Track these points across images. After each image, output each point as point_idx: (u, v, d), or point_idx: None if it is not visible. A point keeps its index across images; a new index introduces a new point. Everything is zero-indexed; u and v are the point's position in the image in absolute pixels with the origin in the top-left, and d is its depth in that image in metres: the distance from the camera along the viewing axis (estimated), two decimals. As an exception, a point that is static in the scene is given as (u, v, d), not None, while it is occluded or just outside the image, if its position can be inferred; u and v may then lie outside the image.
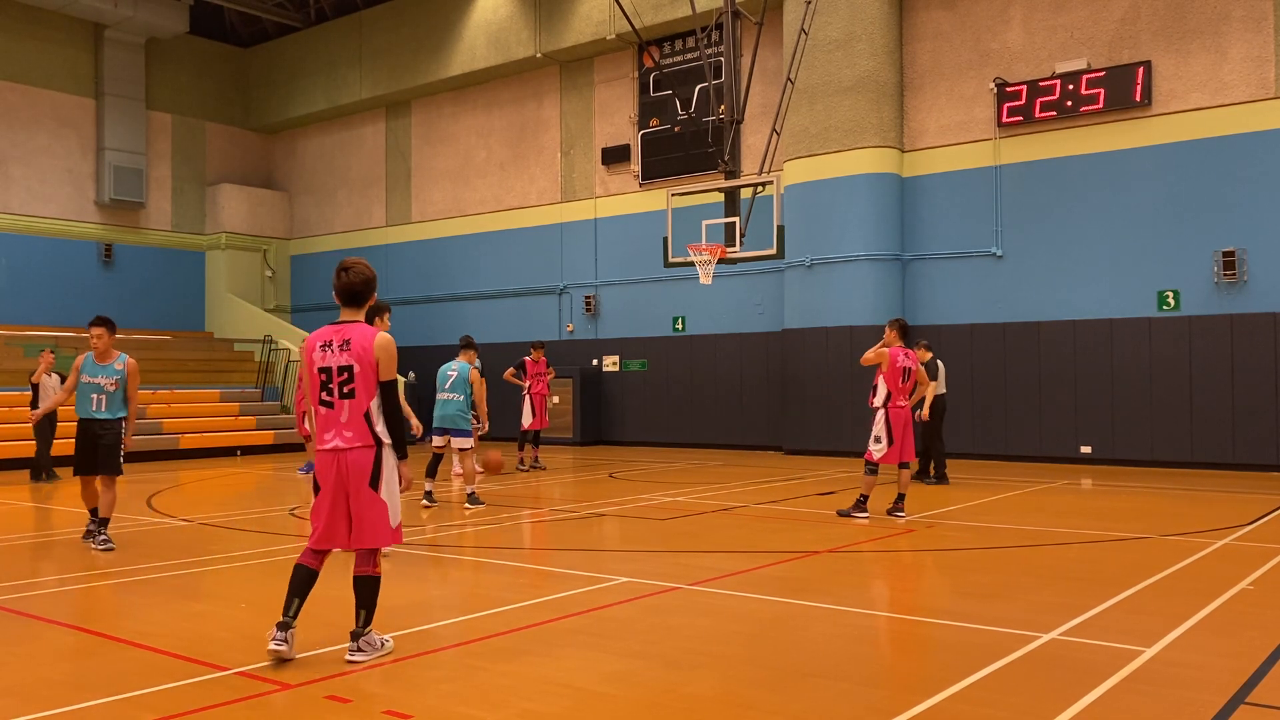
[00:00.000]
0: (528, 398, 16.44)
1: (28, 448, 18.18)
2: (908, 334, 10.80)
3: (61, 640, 5.85)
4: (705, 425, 21.31)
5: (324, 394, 5.30)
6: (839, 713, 4.48)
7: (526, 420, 16.48)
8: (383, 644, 5.39)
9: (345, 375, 5.26)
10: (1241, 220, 15.84)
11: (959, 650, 5.48)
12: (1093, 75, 16.87)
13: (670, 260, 17.12)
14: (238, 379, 24.56)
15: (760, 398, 20.62)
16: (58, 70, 25.10)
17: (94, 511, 9.05)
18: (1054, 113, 17.22)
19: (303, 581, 5.38)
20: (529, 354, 16.83)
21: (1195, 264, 16.16)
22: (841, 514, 10.74)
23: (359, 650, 5.29)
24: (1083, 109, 16.96)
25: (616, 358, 22.59)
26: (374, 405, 5.31)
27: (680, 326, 21.81)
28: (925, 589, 7.54)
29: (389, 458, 5.38)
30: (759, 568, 7.92)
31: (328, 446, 5.32)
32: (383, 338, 5.32)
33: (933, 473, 13.94)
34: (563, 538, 9.85)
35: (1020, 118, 17.56)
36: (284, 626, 5.22)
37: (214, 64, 28.44)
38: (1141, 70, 16.49)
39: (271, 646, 5.18)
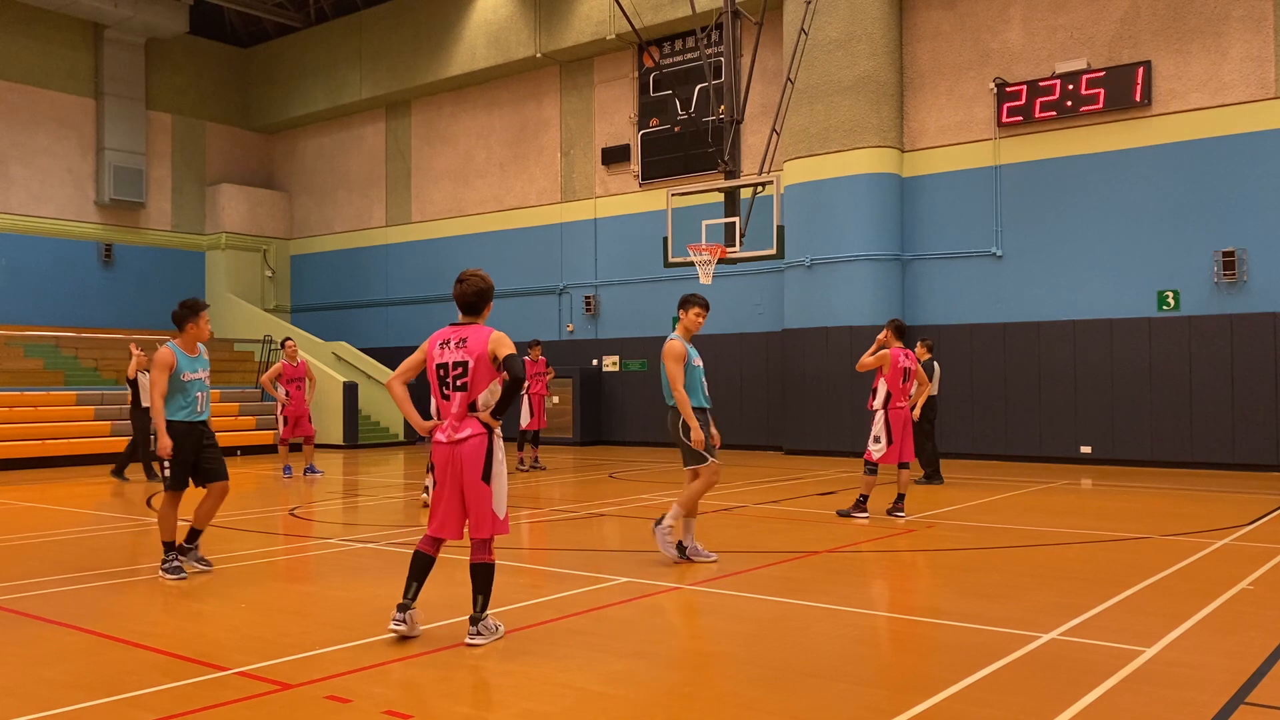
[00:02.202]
0: (526, 398, 16.42)
1: (33, 447, 18.22)
2: (904, 334, 10.84)
3: (61, 640, 5.85)
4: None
5: (443, 389, 5.64)
6: (839, 713, 4.47)
7: (525, 420, 16.47)
8: (496, 628, 5.67)
9: (460, 370, 5.59)
10: (1241, 220, 15.84)
11: (959, 650, 5.48)
12: (1093, 75, 16.87)
13: (670, 260, 17.11)
14: (237, 379, 24.56)
15: (760, 398, 20.62)
16: (58, 70, 25.10)
17: (164, 538, 7.62)
18: (1054, 113, 17.22)
19: (421, 567, 5.67)
20: (527, 354, 16.82)
21: (1195, 264, 16.16)
22: (841, 514, 10.74)
23: (478, 634, 5.56)
24: (1083, 109, 16.96)
25: (616, 358, 22.59)
26: (482, 397, 5.57)
27: (680, 326, 21.77)
28: (925, 589, 7.53)
29: (499, 448, 5.64)
30: (759, 568, 7.91)
31: (443, 439, 5.63)
32: (497, 333, 5.63)
33: (923, 472, 13.92)
34: (563, 538, 9.84)
35: (1020, 118, 17.56)
36: (403, 608, 5.59)
37: (214, 64, 28.44)
38: (1141, 70, 16.49)
39: (391, 627, 5.55)
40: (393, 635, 5.60)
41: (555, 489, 14.09)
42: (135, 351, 15.42)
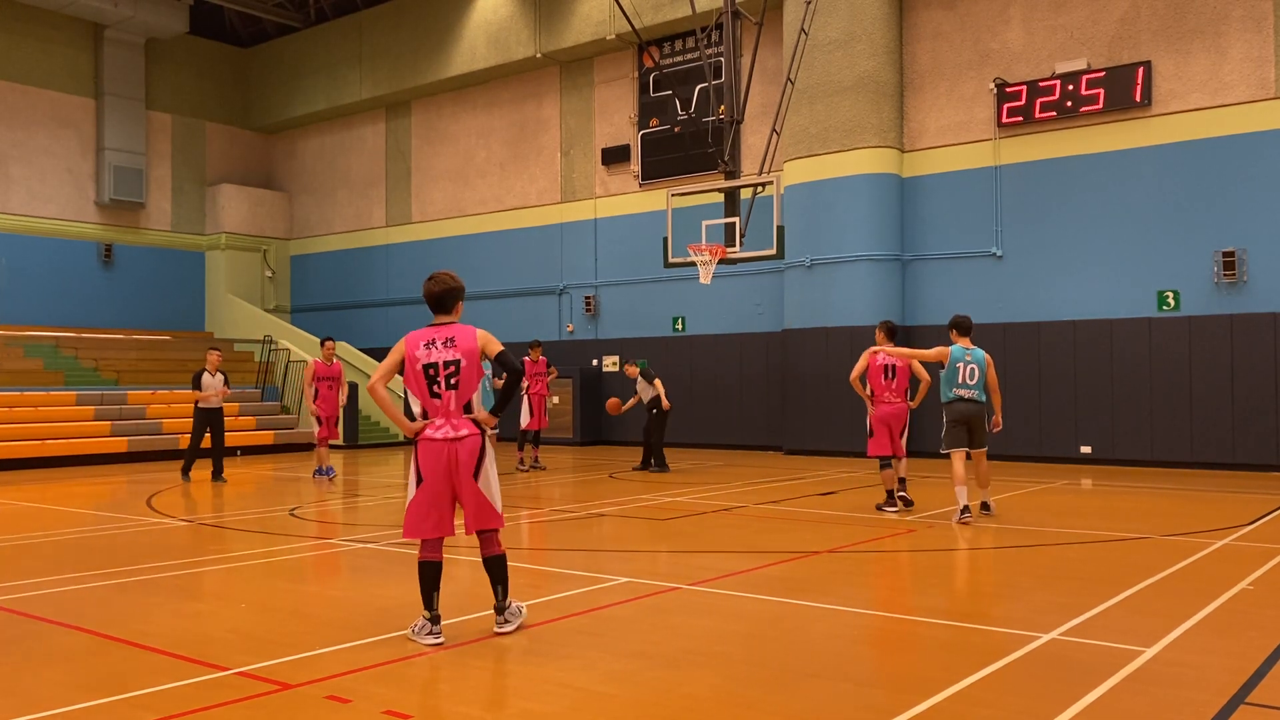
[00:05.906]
0: (526, 398, 16.42)
1: (33, 447, 18.22)
2: (895, 335, 11.31)
3: (61, 640, 5.85)
4: (705, 425, 21.29)
5: (432, 387, 5.69)
6: (839, 713, 4.47)
7: (525, 420, 16.46)
8: (521, 610, 5.95)
9: (452, 369, 5.68)
10: (1241, 220, 15.84)
11: (959, 650, 5.48)
12: (1093, 75, 16.87)
13: (670, 260, 17.11)
14: (237, 379, 24.52)
15: (760, 398, 20.61)
16: (58, 70, 25.10)
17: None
18: (1054, 113, 17.21)
19: (437, 575, 5.74)
20: (527, 354, 16.82)
21: (1195, 264, 16.15)
22: (878, 508, 11.14)
23: (505, 622, 5.79)
24: (1083, 109, 16.96)
25: (616, 358, 22.58)
26: (475, 398, 5.77)
27: (680, 326, 21.80)
28: (925, 589, 7.53)
29: (490, 446, 5.82)
30: (759, 568, 7.91)
31: (438, 436, 5.68)
32: (482, 332, 5.79)
33: (653, 463, 16.16)
34: (563, 538, 9.85)
35: (1020, 118, 17.56)
36: (437, 620, 5.67)
37: (214, 64, 28.43)
38: (1141, 70, 16.49)
39: (429, 642, 5.58)
40: (404, 637, 5.69)
41: (555, 489, 14.09)
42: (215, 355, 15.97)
